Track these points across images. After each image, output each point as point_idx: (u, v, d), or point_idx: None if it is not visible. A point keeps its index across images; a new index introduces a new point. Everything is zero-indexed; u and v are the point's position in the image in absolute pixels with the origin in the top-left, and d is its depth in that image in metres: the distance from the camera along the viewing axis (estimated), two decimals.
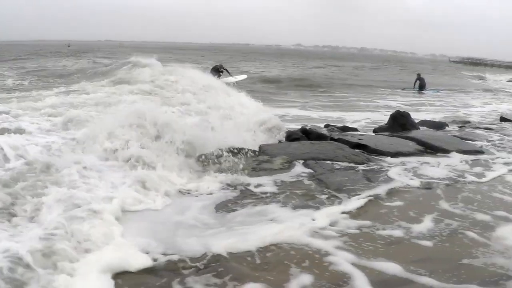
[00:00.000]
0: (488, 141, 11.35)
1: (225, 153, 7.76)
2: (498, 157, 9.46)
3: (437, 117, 16.06)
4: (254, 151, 8.50)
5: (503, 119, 15.87)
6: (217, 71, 25.05)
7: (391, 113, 12.86)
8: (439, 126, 13.24)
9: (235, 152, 8.03)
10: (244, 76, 28.63)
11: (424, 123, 13.46)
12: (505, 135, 12.54)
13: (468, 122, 14.80)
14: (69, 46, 78.67)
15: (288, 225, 5.23)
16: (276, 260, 4.44)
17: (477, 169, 8.35)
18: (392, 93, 28.25)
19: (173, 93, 17.08)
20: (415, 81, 30.29)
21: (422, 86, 29.80)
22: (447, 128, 13.33)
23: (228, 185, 6.78)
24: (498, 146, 10.70)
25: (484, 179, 7.71)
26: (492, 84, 45.69)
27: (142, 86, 18.34)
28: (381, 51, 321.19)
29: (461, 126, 13.83)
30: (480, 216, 5.80)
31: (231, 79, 25.21)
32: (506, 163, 8.96)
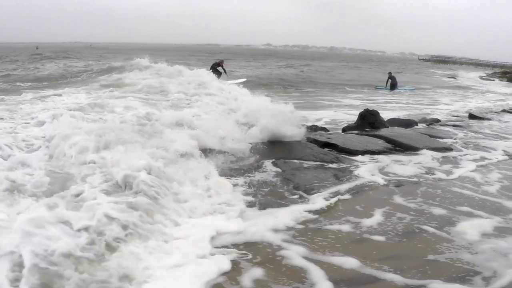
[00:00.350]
0: (456, 138, 11.54)
1: None
2: (466, 154, 9.63)
3: (406, 115, 16.19)
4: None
5: (471, 116, 16.14)
6: (216, 70, 24.06)
7: (360, 111, 12.93)
8: (408, 124, 13.36)
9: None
10: (243, 79, 28.53)
11: (393, 121, 13.56)
12: (473, 132, 12.78)
13: (438, 120, 14.97)
14: (37, 48, 76.97)
15: (252, 223, 5.23)
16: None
17: (446, 167, 8.48)
18: (361, 92, 28.43)
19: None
20: (387, 80, 30.67)
21: (393, 85, 30.21)
22: (416, 126, 13.47)
23: None
24: (466, 143, 10.89)
25: (451, 176, 7.84)
26: (463, 81, 46.48)
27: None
28: (350, 50, 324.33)
29: (429, 124, 14.00)
30: (446, 213, 5.88)
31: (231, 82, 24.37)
32: (474, 160, 9.15)
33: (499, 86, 43.26)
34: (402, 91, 29.63)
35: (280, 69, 47.61)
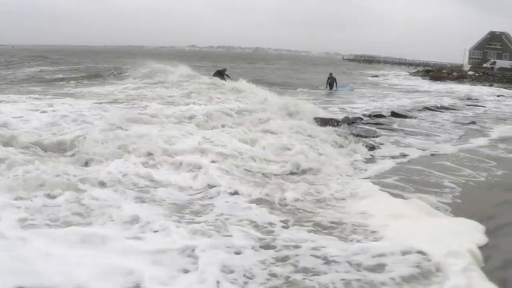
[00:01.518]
0: (378, 136, 11.89)
1: None
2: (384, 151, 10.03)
3: (332, 114, 16.31)
4: None
5: (394, 114, 16.64)
6: (222, 75, 25.99)
7: None
8: (326, 122, 13.48)
9: None
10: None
11: (316, 121, 13.71)
12: (392, 130, 13.19)
13: (361, 118, 15.30)
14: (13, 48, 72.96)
15: None
16: None
17: (366, 166, 8.79)
18: (305, 93, 28.77)
19: None
20: (327, 80, 31.41)
21: (331, 85, 30.99)
22: (336, 125, 13.64)
23: None
24: (385, 141, 11.25)
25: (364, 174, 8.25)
26: (387, 80, 48.03)
27: None
28: (275, 50, 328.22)
29: (352, 123, 14.22)
30: None
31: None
32: (391, 157, 9.52)
33: (422, 83, 45.13)
34: (341, 91, 30.29)
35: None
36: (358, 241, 5.10)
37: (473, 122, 15.84)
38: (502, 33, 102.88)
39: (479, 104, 23.85)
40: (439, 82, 49.31)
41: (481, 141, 12.09)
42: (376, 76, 51.53)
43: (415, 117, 16.54)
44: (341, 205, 6.38)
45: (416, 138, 12.08)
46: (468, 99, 26.42)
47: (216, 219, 5.56)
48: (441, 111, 19.09)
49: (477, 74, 59.80)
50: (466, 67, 74.50)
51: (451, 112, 19.06)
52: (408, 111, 18.24)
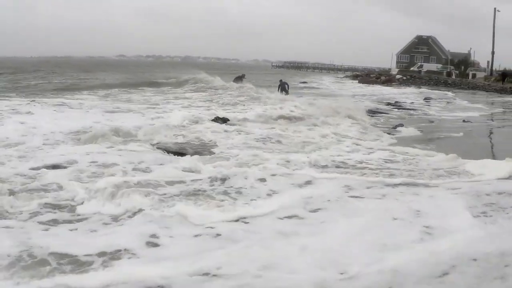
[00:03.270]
0: None
1: None
2: None
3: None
4: None
5: None
6: (240, 78, 35.28)
7: None
8: None
9: None
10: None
11: None
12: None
13: None
14: None
15: None
16: None
17: None
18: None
19: None
20: (279, 86, 32.02)
21: (284, 89, 31.84)
22: None
23: None
24: None
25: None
26: (316, 85, 48.97)
27: None
28: (204, 58, 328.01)
29: None
30: None
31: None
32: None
33: (349, 87, 46.65)
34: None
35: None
36: None
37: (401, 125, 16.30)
38: (429, 37, 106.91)
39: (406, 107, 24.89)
40: (368, 85, 51.03)
41: None
42: (305, 83, 52.13)
43: None
44: None
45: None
46: (396, 102, 27.43)
47: None
48: None
49: (404, 78, 61.95)
50: (394, 71, 77.08)
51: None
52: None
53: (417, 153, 10.68)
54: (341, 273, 4.49)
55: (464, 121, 18.77)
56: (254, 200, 6.83)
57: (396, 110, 22.84)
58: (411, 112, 22.07)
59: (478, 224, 5.92)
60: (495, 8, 65.00)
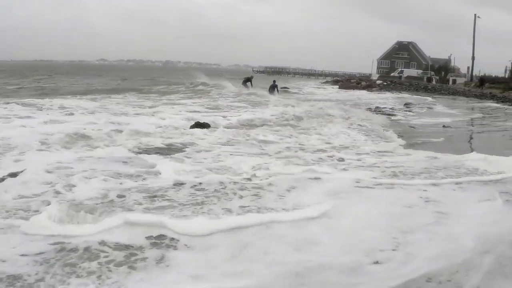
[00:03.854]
0: None
1: None
2: None
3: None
4: None
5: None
6: (249, 80, 36.69)
7: None
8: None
9: None
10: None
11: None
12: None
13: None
14: None
15: None
16: None
17: None
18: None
19: None
20: (270, 87, 32.70)
21: (274, 89, 32.76)
22: None
23: None
24: None
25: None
26: (298, 90, 49.01)
27: None
28: (185, 63, 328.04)
29: None
30: None
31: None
32: None
33: (333, 92, 46.81)
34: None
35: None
36: None
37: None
38: (409, 43, 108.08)
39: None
40: (348, 90, 51.42)
41: None
42: (287, 88, 52.07)
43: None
44: None
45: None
46: (376, 107, 27.44)
47: None
48: None
49: (385, 83, 62.39)
50: (375, 76, 77.86)
51: None
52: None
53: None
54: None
55: (444, 126, 18.67)
56: None
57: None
58: (391, 117, 21.95)
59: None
60: (475, 15, 66.21)
